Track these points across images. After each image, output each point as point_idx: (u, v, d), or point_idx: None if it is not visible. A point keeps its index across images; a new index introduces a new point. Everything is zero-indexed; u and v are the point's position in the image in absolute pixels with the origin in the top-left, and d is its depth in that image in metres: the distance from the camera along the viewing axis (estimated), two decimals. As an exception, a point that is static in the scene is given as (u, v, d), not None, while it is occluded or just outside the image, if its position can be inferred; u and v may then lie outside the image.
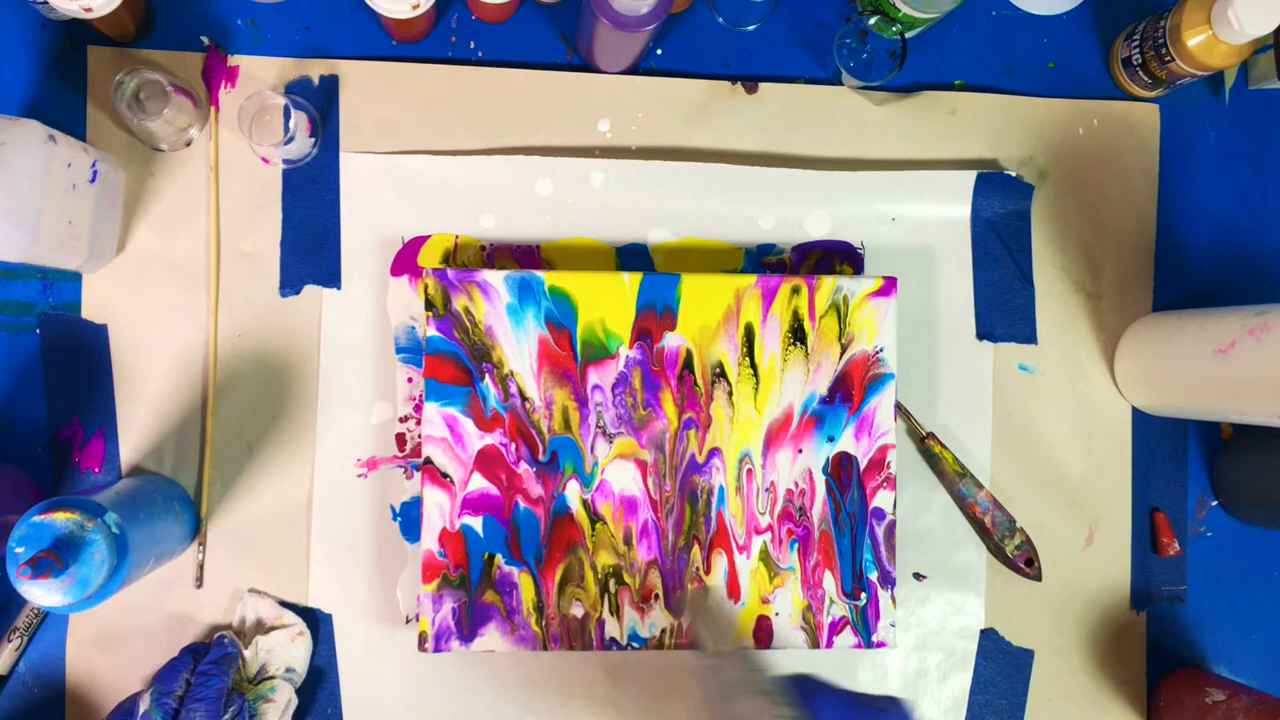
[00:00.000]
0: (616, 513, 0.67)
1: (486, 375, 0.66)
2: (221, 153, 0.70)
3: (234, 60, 0.70)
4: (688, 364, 0.67)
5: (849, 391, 0.68)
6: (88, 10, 0.62)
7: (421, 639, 0.65)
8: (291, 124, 0.65)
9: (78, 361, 0.68)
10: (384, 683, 0.69)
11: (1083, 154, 0.75)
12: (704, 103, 0.73)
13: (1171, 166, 0.76)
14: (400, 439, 0.70)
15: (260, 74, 0.70)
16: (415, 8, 0.64)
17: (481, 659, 0.70)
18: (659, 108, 0.72)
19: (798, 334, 0.68)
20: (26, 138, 0.58)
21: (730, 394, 0.68)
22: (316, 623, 0.68)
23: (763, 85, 0.73)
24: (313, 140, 0.69)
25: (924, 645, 0.72)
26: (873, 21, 0.71)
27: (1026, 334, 0.74)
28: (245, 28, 0.71)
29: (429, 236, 0.70)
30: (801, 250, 0.73)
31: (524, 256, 0.71)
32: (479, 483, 0.66)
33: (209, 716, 0.59)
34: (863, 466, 0.68)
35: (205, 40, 0.70)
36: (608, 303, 0.67)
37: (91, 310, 0.68)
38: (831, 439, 0.68)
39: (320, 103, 0.70)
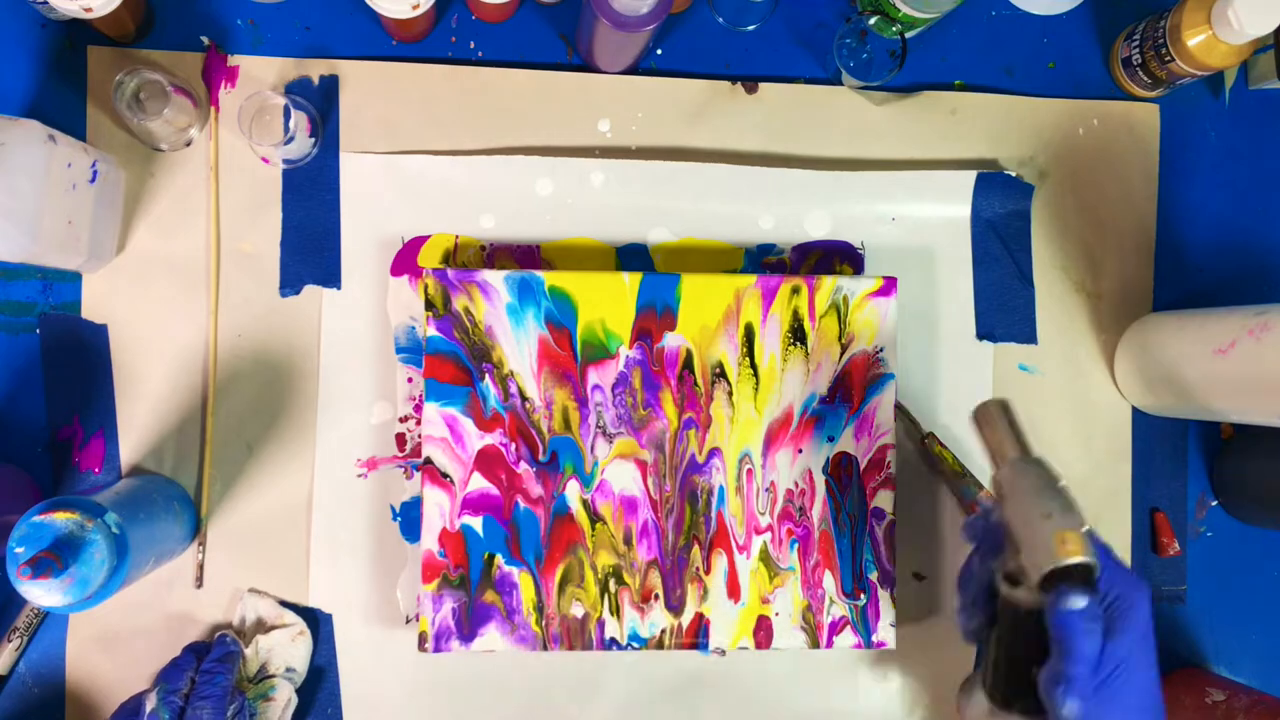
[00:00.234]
0: (616, 513, 0.67)
1: (486, 375, 0.66)
2: (221, 153, 0.70)
3: (234, 60, 0.70)
4: (688, 364, 0.67)
5: (849, 391, 0.68)
6: (88, 10, 0.62)
7: (421, 639, 0.65)
8: (291, 124, 0.65)
9: (78, 361, 0.68)
10: (384, 683, 0.69)
11: (1083, 154, 0.75)
12: (704, 103, 0.73)
13: (1171, 166, 0.76)
14: (400, 439, 0.70)
15: (260, 74, 0.70)
16: (415, 8, 0.64)
17: (481, 659, 0.70)
18: (659, 108, 0.72)
19: (798, 334, 0.68)
20: (26, 138, 0.58)
21: (730, 394, 0.68)
22: (316, 623, 0.68)
23: (763, 85, 0.73)
24: (313, 140, 0.69)
25: (924, 646, 0.72)
26: (873, 21, 0.71)
27: (1026, 334, 0.74)
28: (245, 28, 0.71)
29: (429, 236, 0.70)
30: (801, 250, 0.73)
31: (524, 256, 0.71)
32: (479, 483, 0.66)
33: (215, 714, 0.59)
34: (863, 466, 0.68)
35: (205, 40, 0.70)
36: (608, 303, 0.67)
37: (91, 310, 0.68)
38: (831, 439, 0.68)
39: (320, 103, 0.70)
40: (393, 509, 0.69)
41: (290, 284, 0.70)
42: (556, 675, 0.70)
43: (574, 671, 0.70)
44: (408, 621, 0.69)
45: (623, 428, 0.67)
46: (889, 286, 0.69)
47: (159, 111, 0.65)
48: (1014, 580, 0.52)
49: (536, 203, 0.71)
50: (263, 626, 0.67)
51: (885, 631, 0.68)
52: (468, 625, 0.65)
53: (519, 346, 0.67)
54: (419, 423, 0.69)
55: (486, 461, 0.66)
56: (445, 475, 0.66)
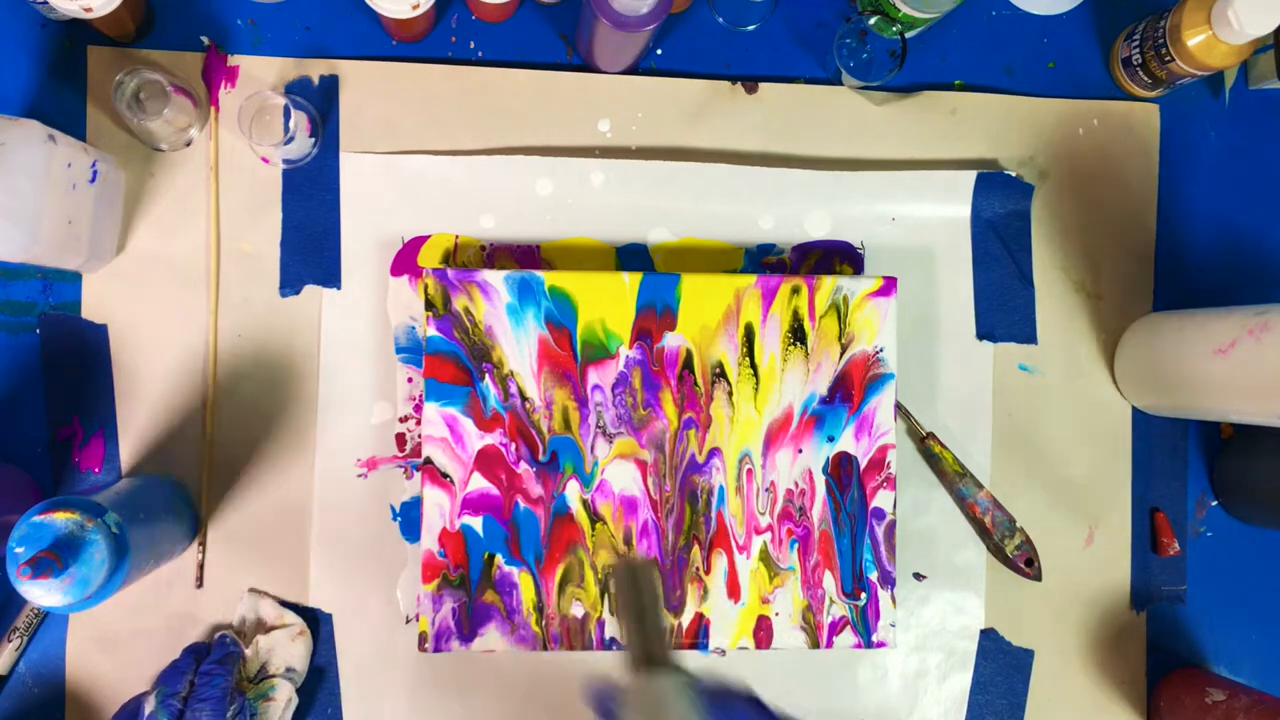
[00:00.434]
0: (616, 513, 0.67)
1: (486, 375, 0.66)
2: (221, 153, 0.70)
3: (234, 60, 0.70)
4: (688, 364, 0.67)
5: (849, 391, 0.68)
6: (88, 10, 0.62)
7: (421, 639, 0.65)
8: (291, 124, 0.65)
9: (78, 361, 0.68)
10: (384, 683, 0.69)
11: (1083, 154, 0.75)
12: (704, 103, 0.73)
13: (1171, 166, 0.76)
14: (400, 439, 0.70)
15: (260, 74, 0.70)
16: (415, 8, 0.64)
17: (481, 659, 0.70)
18: (659, 108, 0.72)
19: (798, 334, 0.68)
20: (26, 138, 0.58)
21: (730, 394, 0.68)
22: (316, 622, 0.68)
23: (763, 85, 0.73)
24: (313, 140, 0.69)
25: (924, 645, 0.72)
26: (873, 21, 0.71)
27: (1026, 334, 0.74)
28: (245, 28, 0.71)
29: (429, 236, 0.70)
30: (801, 250, 0.73)
31: (524, 256, 0.71)
32: (479, 483, 0.66)
33: (214, 716, 0.59)
34: (863, 466, 0.68)
35: (205, 40, 0.70)
36: (608, 303, 0.67)
37: (91, 310, 0.68)
38: (831, 439, 0.68)
39: (320, 103, 0.70)
40: (393, 509, 0.69)
41: (290, 284, 0.70)
42: (556, 675, 0.70)
43: (574, 672, 0.70)
44: (408, 621, 0.69)
45: (623, 428, 0.67)
46: (889, 286, 0.69)
47: (159, 111, 0.65)
48: None
49: (536, 203, 0.71)
50: (263, 626, 0.67)
51: (885, 631, 0.68)
52: (468, 625, 0.65)
53: (519, 346, 0.67)
54: (419, 423, 0.69)
55: (486, 461, 0.66)
56: (445, 475, 0.66)
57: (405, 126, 0.71)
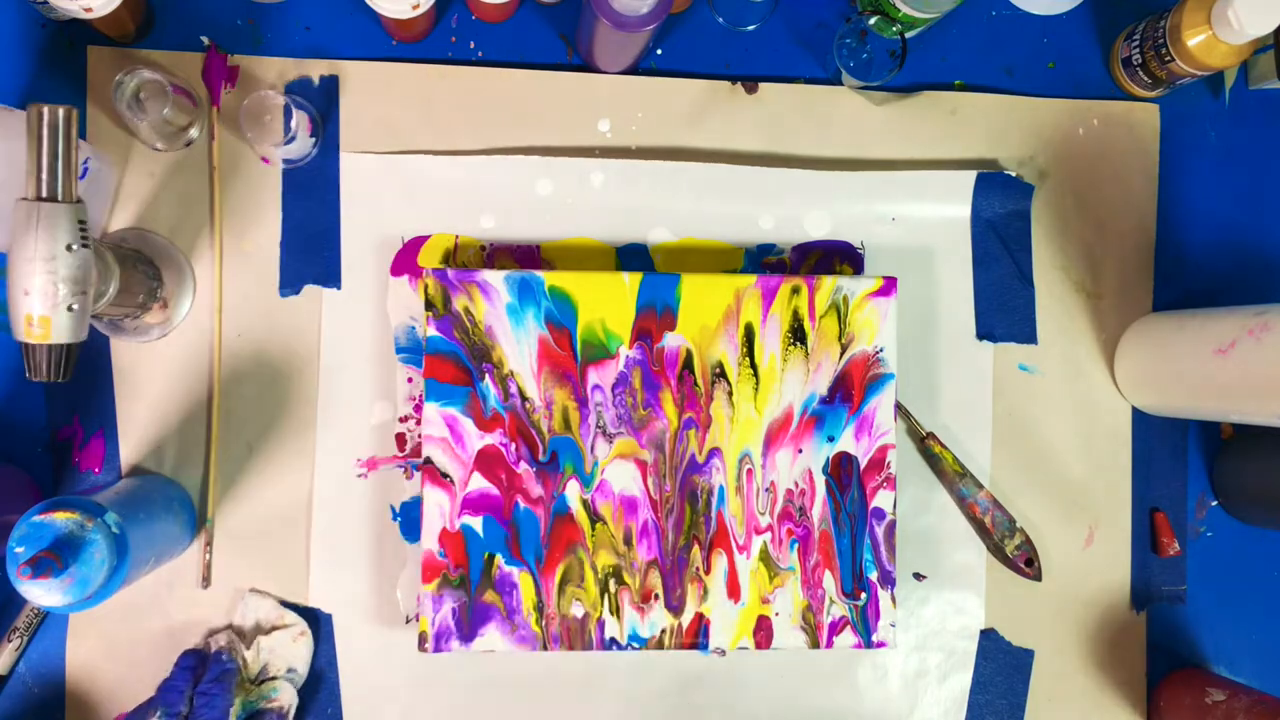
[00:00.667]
0: (616, 513, 0.67)
1: (486, 375, 0.66)
2: (222, 153, 0.70)
3: (234, 60, 0.70)
4: (688, 364, 0.67)
5: (849, 391, 0.68)
6: (88, 10, 0.62)
7: (421, 639, 0.65)
8: (292, 124, 0.65)
9: (78, 361, 0.68)
10: (384, 683, 0.69)
11: (1083, 154, 0.75)
12: (704, 103, 0.73)
13: (1171, 166, 0.76)
14: (400, 439, 0.70)
15: (260, 74, 0.70)
16: (415, 8, 0.64)
17: (482, 659, 0.70)
18: (659, 108, 0.72)
19: (798, 334, 0.68)
20: (5, 132, 0.58)
21: (730, 394, 0.68)
22: (317, 623, 0.68)
23: (763, 85, 0.73)
24: (313, 140, 0.69)
25: (924, 645, 0.72)
26: (873, 21, 0.71)
27: (1026, 334, 0.74)
28: (245, 28, 0.71)
29: (429, 236, 0.70)
30: (801, 250, 0.73)
31: (524, 256, 0.71)
32: (479, 483, 0.66)
33: None
34: (863, 466, 0.68)
35: (205, 40, 0.70)
36: (608, 303, 0.67)
37: (91, 310, 0.68)
38: (831, 439, 0.68)
39: (320, 103, 0.70)
40: (393, 509, 0.69)
41: (290, 284, 0.70)
42: (556, 675, 0.70)
43: (574, 671, 0.70)
44: (408, 621, 0.69)
45: (623, 428, 0.67)
46: (889, 286, 0.69)
47: (159, 111, 0.65)
48: None
49: (536, 203, 0.71)
50: (263, 627, 0.67)
51: (885, 631, 0.68)
52: (468, 625, 0.65)
53: (519, 346, 0.67)
54: (419, 423, 0.69)
55: (486, 461, 0.66)
56: (445, 475, 0.66)
57: (405, 126, 0.71)
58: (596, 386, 0.67)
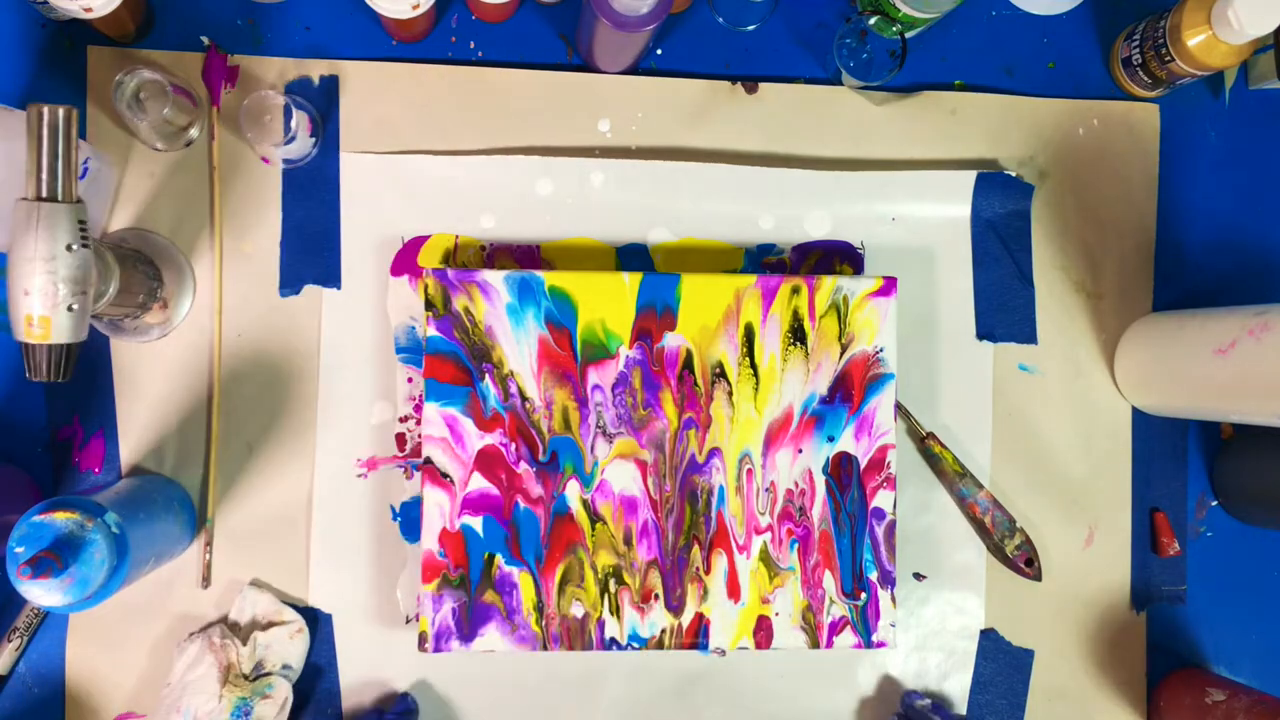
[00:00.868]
0: (616, 513, 0.67)
1: (486, 375, 0.66)
2: (222, 153, 0.70)
3: (234, 60, 0.70)
4: (688, 364, 0.67)
5: (849, 391, 0.68)
6: (88, 10, 0.62)
7: (421, 639, 0.65)
8: (293, 124, 0.65)
9: (78, 361, 0.68)
10: (384, 683, 0.69)
11: (1083, 154, 0.75)
12: (704, 103, 0.73)
13: (1171, 166, 0.76)
14: (400, 439, 0.70)
15: (260, 74, 0.70)
16: (415, 8, 0.64)
17: (481, 659, 0.70)
18: (659, 108, 0.72)
19: (798, 334, 0.68)
20: (5, 132, 0.58)
21: (730, 394, 0.68)
22: (316, 622, 0.68)
23: (763, 85, 0.73)
24: (313, 140, 0.69)
25: (924, 645, 0.72)
26: (873, 21, 0.71)
27: (1026, 334, 0.74)
28: (245, 28, 0.71)
29: (429, 236, 0.70)
30: (801, 250, 0.73)
31: (524, 256, 0.71)
32: (479, 483, 0.66)
33: None
34: (863, 466, 0.68)
35: (205, 40, 0.70)
36: (608, 303, 0.67)
37: (91, 310, 0.68)
38: (831, 439, 0.68)
39: (320, 103, 0.70)
40: (393, 509, 0.69)
41: (290, 284, 0.70)
42: (556, 675, 0.70)
43: (574, 671, 0.70)
44: (408, 621, 0.69)
45: (623, 428, 0.67)
46: (889, 286, 0.69)
47: (159, 111, 0.65)
48: None
49: (536, 203, 0.71)
50: (260, 622, 0.67)
51: (885, 631, 0.68)
52: (468, 625, 0.65)
53: (519, 346, 0.67)
54: (419, 423, 0.69)
55: (486, 461, 0.66)
56: (445, 475, 0.66)
57: (405, 126, 0.71)
58: (596, 386, 0.67)
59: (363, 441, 0.69)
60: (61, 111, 0.54)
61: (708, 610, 0.67)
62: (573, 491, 0.67)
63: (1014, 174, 0.74)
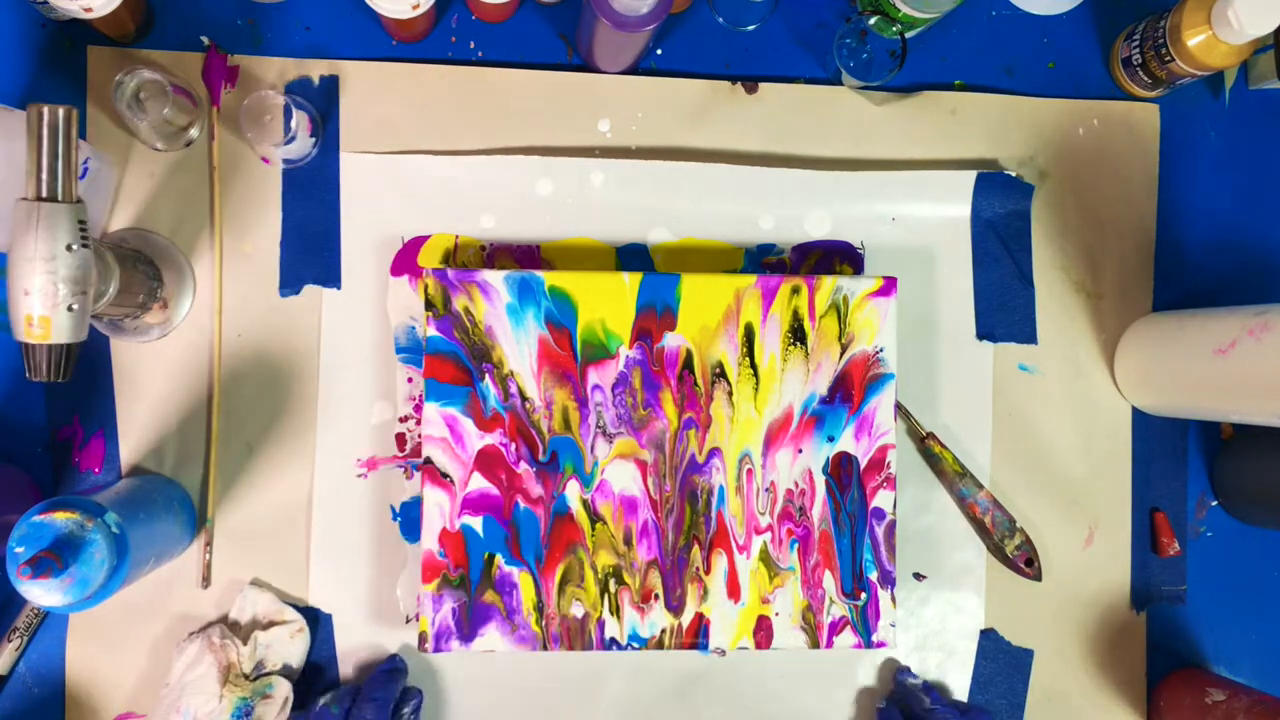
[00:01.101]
0: (616, 513, 0.67)
1: (486, 375, 0.66)
2: (222, 153, 0.70)
3: (234, 60, 0.70)
4: (688, 364, 0.67)
5: (849, 391, 0.68)
6: (88, 10, 0.62)
7: (421, 639, 0.65)
8: (292, 124, 0.65)
9: (78, 361, 0.68)
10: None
11: (1083, 154, 0.75)
12: (704, 103, 0.73)
13: (1171, 166, 0.76)
14: (400, 439, 0.70)
15: (260, 74, 0.70)
16: (415, 8, 0.64)
17: (481, 659, 0.70)
18: (659, 108, 0.72)
19: (798, 334, 0.68)
20: (5, 132, 0.58)
21: (730, 394, 0.68)
22: (316, 622, 0.68)
23: (763, 85, 0.73)
24: (313, 140, 0.69)
25: (924, 645, 0.72)
26: (873, 21, 0.71)
27: (1026, 334, 0.74)
28: (245, 28, 0.71)
29: (429, 236, 0.70)
30: (801, 250, 0.73)
31: (524, 256, 0.71)
32: (479, 483, 0.66)
33: (379, 711, 0.63)
34: (863, 466, 0.68)
35: (205, 40, 0.70)
36: (608, 303, 0.67)
37: (91, 310, 0.68)
38: (831, 439, 0.68)
39: (320, 103, 0.70)
40: (393, 509, 0.69)
41: (290, 284, 0.70)
42: (556, 675, 0.70)
43: (574, 671, 0.70)
44: (408, 621, 0.69)
45: (623, 428, 0.67)
46: (889, 286, 0.69)
47: (159, 111, 0.65)
48: None
49: (536, 203, 0.71)
50: (260, 622, 0.67)
51: (885, 631, 0.68)
52: (468, 625, 0.65)
53: (519, 346, 0.67)
54: (419, 423, 0.69)
55: (486, 461, 0.66)
56: (445, 475, 0.66)
57: (405, 126, 0.71)
58: (596, 386, 0.67)
59: (363, 441, 0.69)
60: (61, 111, 0.54)
61: (708, 610, 0.67)
62: (573, 491, 0.67)
63: (1014, 174, 0.74)
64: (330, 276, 0.70)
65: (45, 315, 0.54)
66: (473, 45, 0.72)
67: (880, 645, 0.68)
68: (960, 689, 0.72)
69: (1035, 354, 0.74)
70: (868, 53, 0.73)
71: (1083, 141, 0.75)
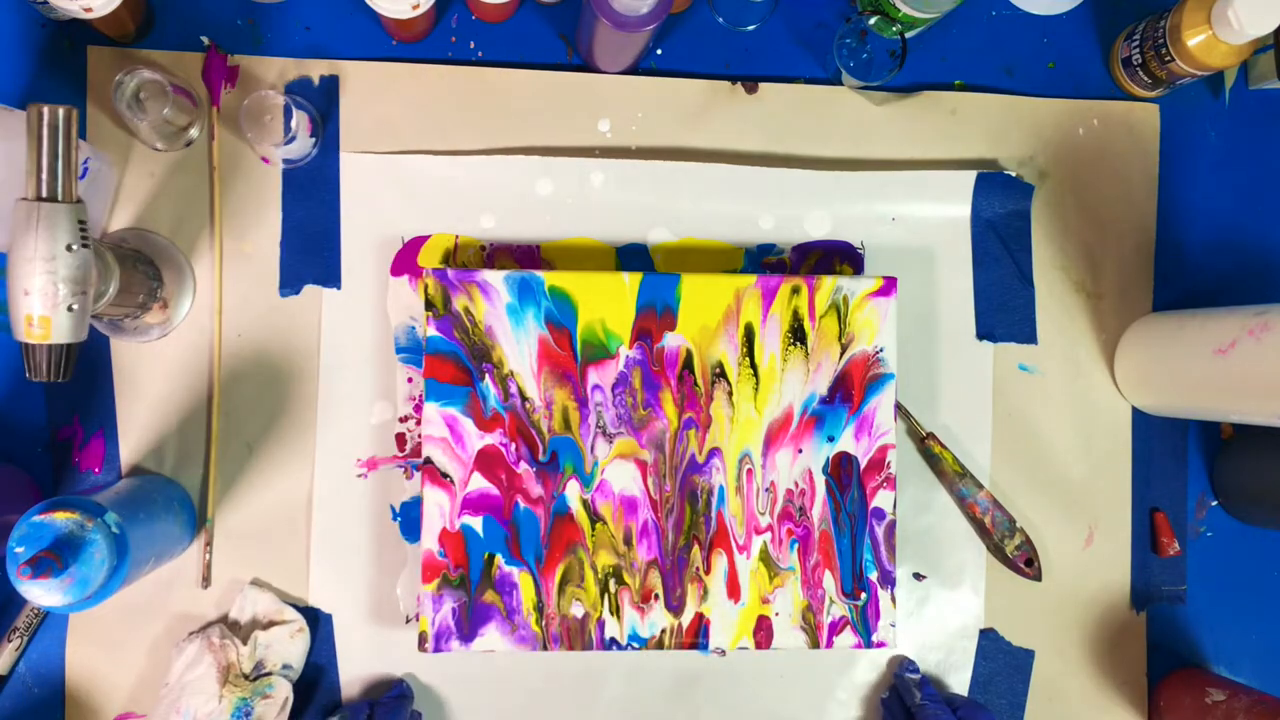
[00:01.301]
0: (616, 513, 0.67)
1: (486, 375, 0.66)
2: (221, 153, 0.70)
3: (234, 60, 0.70)
4: (688, 364, 0.67)
5: (849, 391, 0.68)
6: (88, 10, 0.62)
7: (421, 639, 0.65)
8: (292, 124, 0.65)
9: (78, 361, 0.68)
10: (384, 683, 0.69)
11: (1083, 154, 0.75)
12: (704, 103, 0.73)
13: (1171, 166, 0.76)
14: (400, 439, 0.70)
15: (260, 74, 0.70)
16: (415, 8, 0.64)
17: (481, 659, 0.70)
18: (659, 108, 0.72)
19: (798, 334, 0.68)
20: (5, 131, 0.58)
21: (730, 394, 0.68)
22: (316, 622, 0.68)
23: (763, 85, 0.73)
24: (313, 140, 0.69)
25: (924, 645, 0.72)
26: (873, 21, 0.71)
27: (1026, 334, 0.74)
28: (245, 28, 0.71)
29: (429, 236, 0.70)
30: (801, 250, 0.73)
31: (524, 256, 0.71)
32: (479, 483, 0.66)
33: None
34: (863, 466, 0.68)
35: (205, 40, 0.70)
36: (608, 303, 0.67)
37: (91, 310, 0.68)
38: (831, 439, 0.68)
39: (320, 103, 0.70)
40: (393, 509, 0.69)
41: (290, 284, 0.70)
42: (556, 675, 0.70)
43: (574, 671, 0.70)
44: (408, 621, 0.69)
45: (623, 428, 0.67)
46: (889, 286, 0.69)
47: (159, 111, 0.65)
48: None
49: (536, 203, 0.71)
50: (260, 622, 0.67)
51: (885, 631, 0.68)
52: (468, 625, 0.65)
53: (519, 346, 0.67)
54: (419, 423, 0.69)
55: (486, 461, 0.66)
56: (445, 475, 0.66)
57: (405, 126, 0.71)
58: (596, 386, 0.67)
59: (363, 441, 0.69)
60: (61, 111, 0.54)
61: (708, 610, 0.67)
62: (573, 491, 0.67)
63: (1014, 174, 0.74)
64: (330, 276, 0.70)
65: (45, 315, 0.54)
66: (473, 45, 0.72)
67: (880, 645, 0.68)
68: (960, 689, 0.72)
69: (1035, 354, 0.74)
70: (868, 53, 0.73)
71: (1083, 141, 0.75)
